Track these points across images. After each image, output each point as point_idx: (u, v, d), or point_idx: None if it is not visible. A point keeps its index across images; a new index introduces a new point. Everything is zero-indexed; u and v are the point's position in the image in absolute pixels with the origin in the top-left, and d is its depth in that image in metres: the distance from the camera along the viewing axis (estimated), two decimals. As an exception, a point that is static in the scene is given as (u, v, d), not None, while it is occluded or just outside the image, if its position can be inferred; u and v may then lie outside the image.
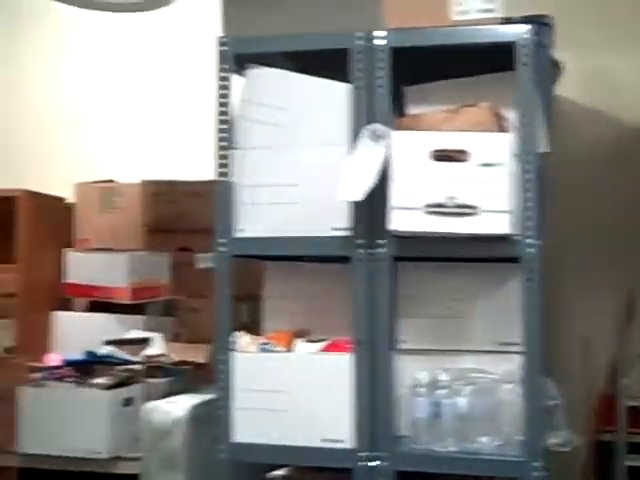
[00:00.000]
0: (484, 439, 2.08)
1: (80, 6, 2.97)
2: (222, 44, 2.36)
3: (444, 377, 2.11)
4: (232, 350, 2.26)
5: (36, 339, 3.18)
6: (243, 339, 2.31)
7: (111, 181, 3.47)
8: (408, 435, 2.15)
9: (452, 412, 2.09)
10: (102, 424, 2.72)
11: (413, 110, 2.32)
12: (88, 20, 3.60)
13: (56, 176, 3.53)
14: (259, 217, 2.27)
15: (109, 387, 2.78)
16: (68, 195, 3.44)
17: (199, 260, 3.03)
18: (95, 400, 2.74)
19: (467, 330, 2.20)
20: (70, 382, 2.83)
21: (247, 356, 2.25)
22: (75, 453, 2.72)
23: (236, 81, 2.37)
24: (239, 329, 2.34)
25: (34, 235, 3.24)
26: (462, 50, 2.18)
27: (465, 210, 2.06)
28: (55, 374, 2.88)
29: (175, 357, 2.95)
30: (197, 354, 2.95)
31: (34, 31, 3.88)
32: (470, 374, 2.12)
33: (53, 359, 3.00)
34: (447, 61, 2.24)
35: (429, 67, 2.25)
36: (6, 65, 3.92)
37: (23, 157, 3.78)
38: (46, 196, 3.34)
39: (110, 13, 3.19)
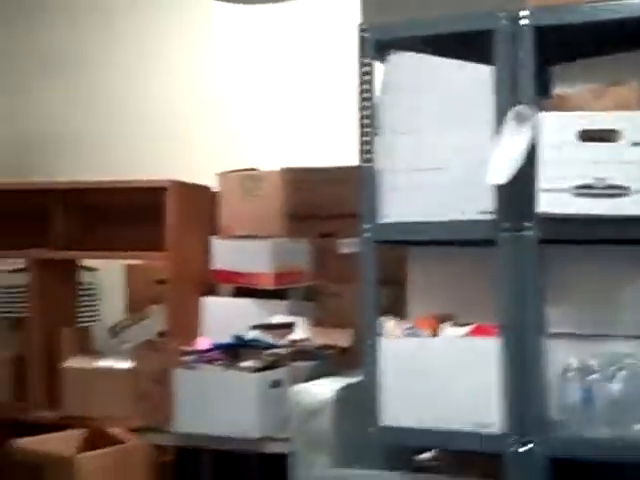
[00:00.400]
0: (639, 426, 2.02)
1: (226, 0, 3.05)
2: (362, 31, 2.37)
3: (595, 362, 2.06)
4: (379, 335, 2.28)
5: (186, 324, 3.31)
6: (389, 324, 2.34)
7: (253, 169, 3.55)
8: (559, 421, 2.11)
9: (604, 398, 2.04)
10: (251, 405, 2.81)
11: (559, 90, 2.28)
12: (231, 11, 3.69)
13: (201, 165, 3.64)
14: (403, 202, 2.27)
15: (257, 370, 2.86)
16: (212, 183, 3.54)
17: (342, 245, 3.08)
18: (244, 382, 2.83)
19: (618, 314, 2.14)
20: (220, 365, 2.93)
21: (394, 340, 2.27)
22: (226, 433, 2.82)
23: (377, 66, 2.39)
24: (381, 314, 2.36)
25: (183, 223, 3.37)
26: (608, 26, 2.12)
27: (615, 191, 2.01)
28: (205, 357, 2.99)
29: (319, 341, 3.01)
30: (340, 338, 3.00)
31: (181, 25, 4.01)
32: (623, 359, 2.07)
33: (203, 343, 3.12)
34: (593, 38, 2.18)
35: (574, 45, 2.20)
36: (155, 61, 4.07)
37: (171, 148, 3.93)
38: (193, 185, 3.47)
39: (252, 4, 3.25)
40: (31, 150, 4.25)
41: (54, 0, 4.24)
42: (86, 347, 3.58)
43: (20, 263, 3.79)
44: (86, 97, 4.18)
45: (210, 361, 2.97)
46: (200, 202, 3.50)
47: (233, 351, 2.99)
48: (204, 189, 3.53)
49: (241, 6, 3.36)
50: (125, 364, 3.30)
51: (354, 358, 2.59)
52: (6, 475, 3.13)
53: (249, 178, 3.50)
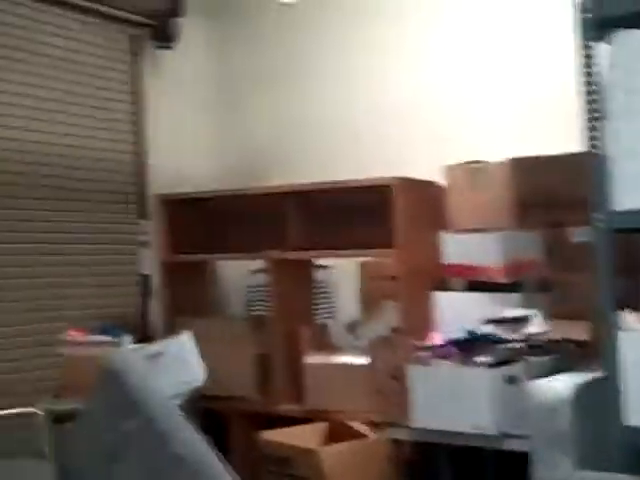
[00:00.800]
0: None
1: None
2: (583, 10, 2.27)
3: None
4: (618, 328, 2.18)
5: (418, 319, 3.33)
6: (628, 316, 2.22)
7: (479, 161, 3.50)
8: None
9: None
10: (486, 401, 2.77)
11: None
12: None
13: (426, 160, 3.64)
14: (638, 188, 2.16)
15: (491, 365, 2.82)
16: (439, 178, 3.53)
17: (574, 235, 2.96)
18: (479, 378, 2.80)
19: None
20: (454, 360, 2.92)
21: (635, 335, 2.16)
22: (462, 429, 2.80)
23: (599, 47, 2.29)
24: (618, 305, 2.24)
25: (410, 219, 3.40)
26: None
27: None
28: (439, 352, 2.99)
29: (554, 335, 2.92)
30: (576, 331, 2.88)
31: (395, 15, 4.03)
32: None
33: (436, 338, 3.12)
34: None
35: None
36: (373, 56, 4.12)
37: (396, 144, 3.95)
38: (419, 181, 3.48)
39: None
40: (263, 157, 4.45)
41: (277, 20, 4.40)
42: (325, 343, 3.69)
43: (260, 264, 4.00)
44: (312, 101, 4.30)
45: (444, 356, 2.96)
46: (427, 197, 3.51)
47: (467, 346, 2.96)
48: (430, 184, 3.53)
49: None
50: (362, 360, 3.37)
51: (592, 352, 2.48)
52: (254, 465, 3.31)
53: (476, 170, 3.45)
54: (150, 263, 4.21)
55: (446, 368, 2.91)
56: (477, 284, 3.28)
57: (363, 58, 4.14)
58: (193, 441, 2.34)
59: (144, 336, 4.03)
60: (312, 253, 3.81)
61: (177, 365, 3.39)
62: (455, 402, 2.82)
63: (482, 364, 2.83)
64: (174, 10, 4.22)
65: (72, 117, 3.97)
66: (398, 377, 3.02)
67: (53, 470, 2.71)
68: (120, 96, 4.22)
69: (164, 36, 4.28)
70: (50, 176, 3.86)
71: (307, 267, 3.92)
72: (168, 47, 4.30)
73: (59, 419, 3.10)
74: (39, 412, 3.15)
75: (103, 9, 4.04)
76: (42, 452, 3.10)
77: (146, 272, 4.23)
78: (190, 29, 4.34)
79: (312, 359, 3.55)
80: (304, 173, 3.92)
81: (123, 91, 4.24)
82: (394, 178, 3.38)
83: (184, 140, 4.42)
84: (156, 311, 4.19)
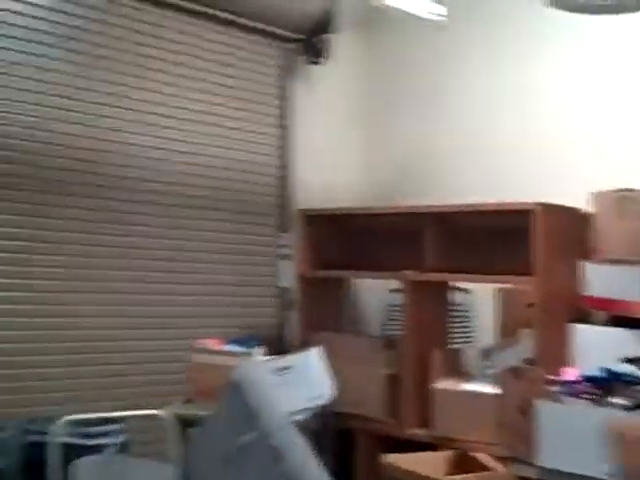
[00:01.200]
0: None
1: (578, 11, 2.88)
2: None
3: None
4: None
5: (553, 351, 3.17)
6: None
7: (631, 189, 3.30)
8: None
9: None
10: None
11: None
12: (598, 24, 3.51)
13: (574, 186, 3.48)
14: None
15: (628, 408, 2.64)
16: (586, 205, 3.36)
17: None
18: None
19: None
20: (587, 399, 2.76)
21: None
22: (592, 473, 2.65)
23: None
24: None
25: (550, 247, 3.25)
26: None
27: None
28: (572, 389, 2.83)
29: (700, 380, 2.70)
30: None
31: (546, 41, 3.89)
32: None
33: (570, 373, 2.96)
34: None
35: None
36: (520, 75, 3.99)
37: (540, 169, 3.81)
38: (562, 207, 3.33)
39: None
40: (404, 176, 4.40)
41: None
42: (456, 368, 3.59)
43: (397, 284, 3.93)
44: (458, 121, 4.22)
45: (577, 394, 2.81)
46: (570, 224, 3.35)
47: (602, 385, 2.79)
48: (574, 211, 3.36)
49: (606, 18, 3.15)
50: (490, 389, 3.25)
51: None
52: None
53: (626, 199, 3.26)
54: (290, 276, 4.24)
55: (578, 407, 2.76)
56: (619, 319, 3.09)
57: (511, 77, 4.02)
58: (305, 460, 2.33)
59: (279, 349, 4.05)
60: (449, 276, 3.71)
61: (304, 380, 3.38)
62: (585, 444, 2.66)
63: (618, 406, 2.66)
64: (325, 26, 4.24)
65: (221, 129, 4.07)
66: (526, 411, 2.89)
67: (176, 473, 2.76)
68: (268, 110, 4.29)
69: (315, 51, 4.31)
70: (194, 186, 3.96)
71: (444, 289, 3.83)
72: (318, 62, 4.33)
73: (186, 424, 3.16)
74: (167, 415, 3.22)
75: (255, 24, 4.12)
76: (168, 454, 3.16)
77: (285, 285, 4.26)
78: (340, 45, 4.35)
79: (441, 384, 3.45)
80: (447, 193, 3.84)
81: (272, 105, 4.31)
82: (535, 203, 3.25)
83: (330, 156, 4.44)
84: (293, 324, 4.22)
